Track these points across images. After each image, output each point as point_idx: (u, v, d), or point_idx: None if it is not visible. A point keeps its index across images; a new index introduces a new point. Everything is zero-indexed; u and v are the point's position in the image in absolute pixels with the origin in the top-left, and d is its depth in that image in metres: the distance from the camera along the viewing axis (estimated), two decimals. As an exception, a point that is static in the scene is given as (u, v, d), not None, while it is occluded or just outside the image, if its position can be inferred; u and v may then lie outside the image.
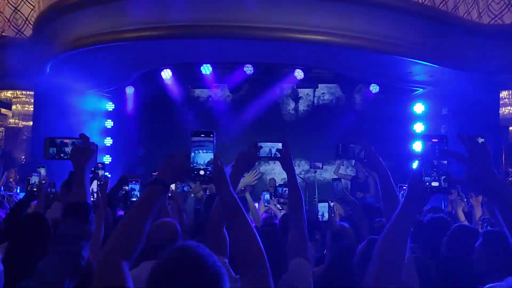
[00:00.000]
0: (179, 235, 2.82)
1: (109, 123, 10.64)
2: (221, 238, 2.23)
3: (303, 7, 6.53)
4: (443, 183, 1.51)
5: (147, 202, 1.68)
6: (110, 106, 10.63)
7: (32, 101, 10.30)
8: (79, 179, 1.97)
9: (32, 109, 10.29)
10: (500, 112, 9.02)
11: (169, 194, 4.27)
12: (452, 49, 7.51)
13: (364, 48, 6.95)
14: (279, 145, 2.41)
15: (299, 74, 9.14)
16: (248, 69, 8.96)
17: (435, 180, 1.52)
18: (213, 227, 2.26)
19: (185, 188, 5.10)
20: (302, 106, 11.17)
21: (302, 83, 10.02)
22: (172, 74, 9.41)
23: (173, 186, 4.34)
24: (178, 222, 3.92)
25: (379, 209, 3.87)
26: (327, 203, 3.45)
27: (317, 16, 6.62)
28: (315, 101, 11.11)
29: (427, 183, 1.53)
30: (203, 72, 9.10)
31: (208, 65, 8.88)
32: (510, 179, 13.51)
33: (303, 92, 10.91)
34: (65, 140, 2.19)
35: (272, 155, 2.41)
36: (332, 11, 6.65)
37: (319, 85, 10.66)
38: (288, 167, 2.41)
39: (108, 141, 10.56)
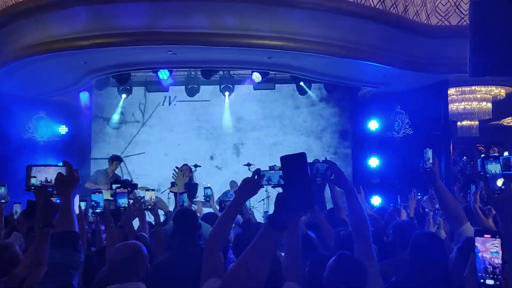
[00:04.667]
0: (145, 258, 2.74)
1: (63, 129, 10.34)
2: (217, 260, 2.26)
3: (260, 13, 6.60)
4: (499, 281, 1.39)
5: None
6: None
7: (-19, 109, 9.90)
8: (65, 207, 1.96)
9: (-19, 117, 9.89)
10: (449, 108, 9.46)
11: (149, 207, 4.28)
12: (403, 50, 7.81)
13: (317, 52, 7.08)
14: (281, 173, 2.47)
15: (256, 77, 9.22)
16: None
17: (490, 278, 1.41)
18: (210, 249, 2.29)
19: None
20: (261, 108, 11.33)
21: (259, 85, 10.15)
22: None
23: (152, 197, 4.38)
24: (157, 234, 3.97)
25: (343, 221, 3.99)
26: None
27: (273, 22, 6.72)
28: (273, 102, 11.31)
29: (482, 280, 1.42)
30: (160, 77, 9.02)
31: (166, 70, 8.81)
32: (458, 168, 14.26)
33: (261, 93, 11.06)
34: (48, 168, 2.17)
35: (275, 183, 2.46)
36: (286, 17, 6.75)
37: (276, 85, 10.81)
38: None
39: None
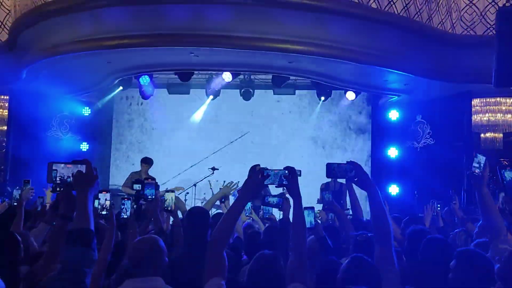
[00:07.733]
0: (162, 252, 2.75)
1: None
2: (219, 260, 2.26)
3: (282, 17, 6.60)
4: None
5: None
6: (86, 111, 10.50)
7: (7, 105, 10.10)
8: (82, 205, 1.98)
9: (7, 113, 10.09)
10: (472, 119, 9.28)
11: (169, 208, 4.28)
12: (427, 59, 7.70)
13: (340, 57, 7.07)
14: (286, 172, 2.43)
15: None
16: (227, 76, 9.00)
17: None
18: (214, 250, 2.29)
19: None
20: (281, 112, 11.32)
21: (280, 89, 10.15)
22: (150, 79, 9.36)
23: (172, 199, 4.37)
24: (176, 234, 3.98)
25: (366, 223, 3.95)
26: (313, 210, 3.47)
27: (295, 26, 6.72)
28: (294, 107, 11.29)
29: None
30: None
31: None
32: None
33: (281, 98, 11.05)
34: (68, 165, 2.22)
35: (278, 182, 2.43)
36: (308, 21, 6.74)
37: (296, 91, 10.78)
38: (294, 194, 2.42)
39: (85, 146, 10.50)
